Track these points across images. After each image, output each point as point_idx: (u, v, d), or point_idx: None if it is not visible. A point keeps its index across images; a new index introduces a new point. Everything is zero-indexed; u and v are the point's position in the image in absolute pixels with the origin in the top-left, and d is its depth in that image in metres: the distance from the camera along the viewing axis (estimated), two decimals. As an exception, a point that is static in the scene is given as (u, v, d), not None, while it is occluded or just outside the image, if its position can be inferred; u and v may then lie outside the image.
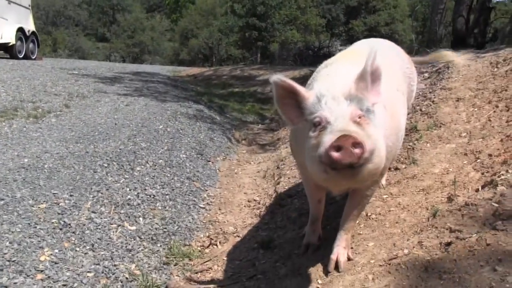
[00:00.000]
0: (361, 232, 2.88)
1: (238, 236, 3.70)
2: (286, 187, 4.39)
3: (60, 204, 3.41)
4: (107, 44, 48.26)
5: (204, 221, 3.97)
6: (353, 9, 33.24)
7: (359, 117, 1.94)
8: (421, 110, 4.69)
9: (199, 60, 34.31)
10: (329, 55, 3.08)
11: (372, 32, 30.69)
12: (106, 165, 4.29)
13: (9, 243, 2.80)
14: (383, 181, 3.44)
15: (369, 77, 2.00)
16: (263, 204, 4.26)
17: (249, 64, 22.47)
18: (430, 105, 4.69)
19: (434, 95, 4.94)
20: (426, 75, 5.99)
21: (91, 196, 3.65)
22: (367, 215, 3.06)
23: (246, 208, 4.26)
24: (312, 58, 19.97)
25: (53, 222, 3.15)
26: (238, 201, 4.49)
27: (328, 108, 1.99)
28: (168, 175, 4.54)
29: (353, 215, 2.56)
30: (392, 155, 2.28)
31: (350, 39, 30.92)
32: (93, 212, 3.42)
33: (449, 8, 12.81)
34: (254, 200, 4.44)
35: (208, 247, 3.57)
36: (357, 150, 1.80)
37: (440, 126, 4.10)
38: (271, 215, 3.96)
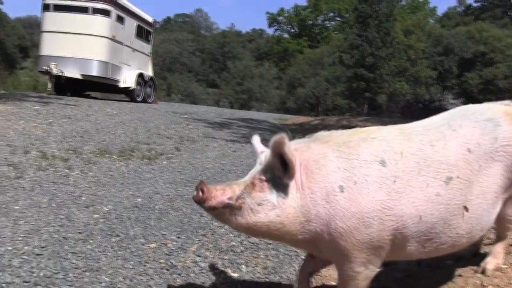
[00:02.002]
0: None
1: (340, 293, 3.60)
2: (392, 245, 4.24)
3: (168, 245, 3.54)
4: (217, 90, 50.20)
5: (306, 273, 3.92)
6: (468, 61, 32.13)
7: (259, 180, 2.33)
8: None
9: (305, 108, 34.63)
10: (440, 108, 2.92)
11: (488, 85, 29.46)
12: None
13: (123, 278, 2.93)
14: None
15: (274, 157, 2.29)
16: (366, 261, 4.14)
17: (356, 115, 22.31)
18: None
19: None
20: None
21: (197, 239, 3.75)
22: (482, 284, 2.87)
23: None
24: (422, 111, 19.41)
25: (161, 262, 3.26)
26: (340, 255, 4.40)
27: (255, 166, 2.44)
28: (272, 223, 4.55)
29: None
30: (355, 239, 2.30)
31: (463, 93, 29.91)
32: (198, 255, 3.50)
33: None
34: (358, 255, 4.33)
35: (309, 301, 3.51)
36: (200, 194, 2.29)
37: None
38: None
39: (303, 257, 4.07)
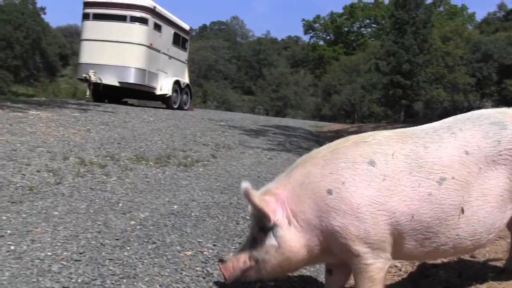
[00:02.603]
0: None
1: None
2: (432, 256, 4.13)
3: (204, 252, 3.53)
4: (252, 97, 50.35)
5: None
6: (508, 68, 31.36)
7: (256, 233, 2.60)
8: None
9: (341, 116, 34.41)
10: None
11: (529, 93, 28.70)
12: (248, 217, 4.37)
13: (159, 285, 2.93)
14: None
15: (251, 206, 2.56)
16: (405, 272, 4.05)
17: (392, 122, 22.03)
18: None
19: None
20: None
21: (233, 247, 3.73)
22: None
23: (387, 274, 4.07)
24: (460, 118, 18.96)
25: (197, 270, 3.25)
26: (378, 266, 4.31)
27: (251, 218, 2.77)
28: (308, 232, 4.50)
29: None
30: (353, 235, 2.44)
31: (502, 100, 29.20)
32: (234, 263, 3.48)
33: None
34: (395, 266, 4.24)
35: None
36: (223, 275, 2.69)
37: None
38: (413, 285, 3.74)
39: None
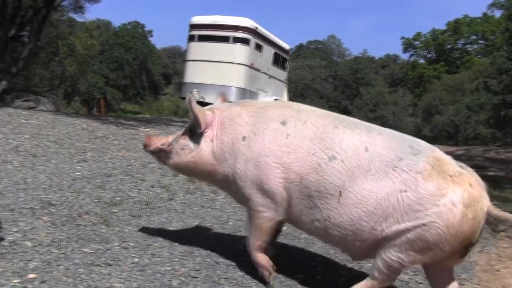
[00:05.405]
0: None
1: None
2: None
3: (316, 277, 3.50)
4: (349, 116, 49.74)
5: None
6: None
7: (185, 131, 3.22)
8: None
9: (442, 137, 33.11)
10: None
11: None
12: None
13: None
14: None
15: (190, 112, 3.07)
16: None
17: (505, 145, 20.85)
18: None
19: None
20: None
21: (344, 272, 3.66)
22: None
23: None
24: None
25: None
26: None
27: None
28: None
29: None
30: (248, 179, 2.96)
31: None
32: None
33: None
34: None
35: None
36: (143, 142, 3.35)
37: None
38: None
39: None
